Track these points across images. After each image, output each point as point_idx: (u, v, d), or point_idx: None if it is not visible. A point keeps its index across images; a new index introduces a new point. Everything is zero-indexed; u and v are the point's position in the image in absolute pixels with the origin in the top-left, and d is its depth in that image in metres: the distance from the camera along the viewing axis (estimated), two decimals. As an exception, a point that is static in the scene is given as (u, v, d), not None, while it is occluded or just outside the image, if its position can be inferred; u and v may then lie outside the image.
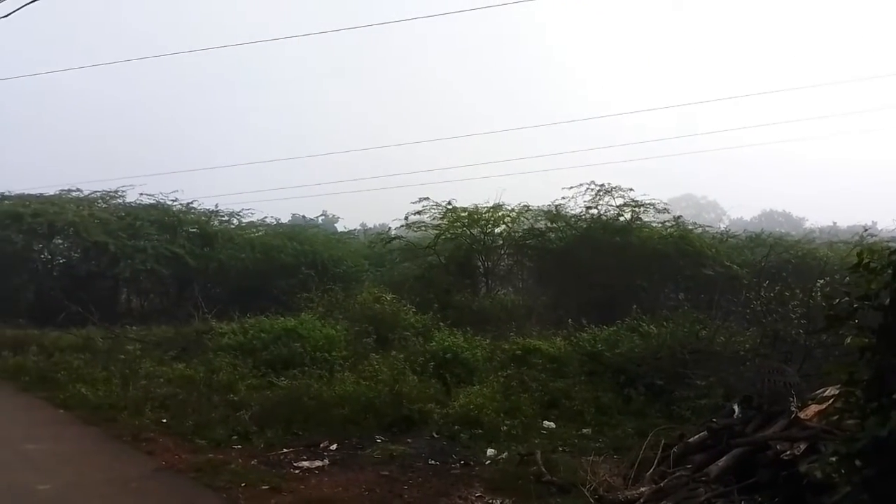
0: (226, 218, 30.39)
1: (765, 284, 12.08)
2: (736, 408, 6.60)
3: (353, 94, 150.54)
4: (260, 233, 30.15)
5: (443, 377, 9.64)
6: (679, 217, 21.29)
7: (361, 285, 19.91)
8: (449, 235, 20.83)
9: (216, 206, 30.62)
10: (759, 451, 5.63)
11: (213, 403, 8.93)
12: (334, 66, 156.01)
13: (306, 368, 10.20)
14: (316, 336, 11.64)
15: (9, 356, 13.55)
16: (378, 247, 26.17)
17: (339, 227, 50.73)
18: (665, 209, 20.98)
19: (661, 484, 5.62)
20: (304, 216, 46.69)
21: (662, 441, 6.60)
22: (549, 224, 20.74)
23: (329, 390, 8.79)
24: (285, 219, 40.81)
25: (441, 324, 13.13)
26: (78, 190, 28.30)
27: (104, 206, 27.47)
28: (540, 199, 21.89)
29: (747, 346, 9.64)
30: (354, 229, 47.35)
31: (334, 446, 7.48)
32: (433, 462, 6.92)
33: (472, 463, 6.89)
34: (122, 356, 11.81)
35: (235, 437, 7.74)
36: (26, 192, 27.34)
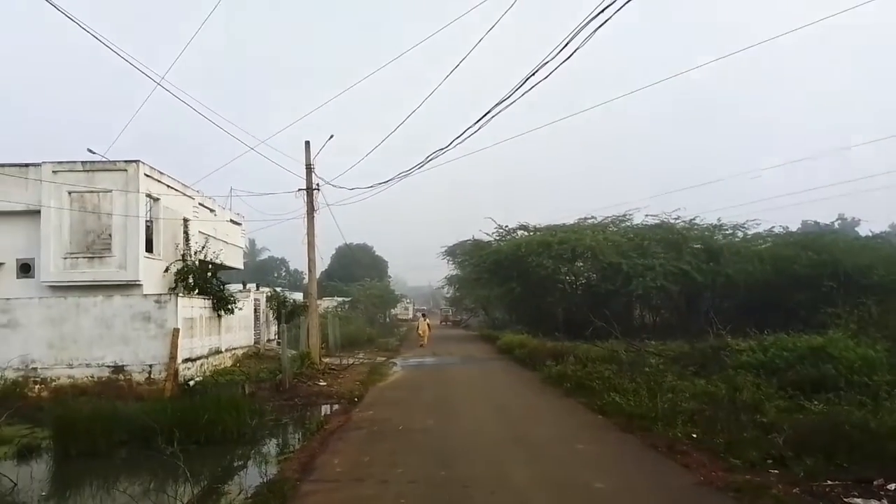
0: (729, 231, 30.06)
1: None
2: None
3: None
4: (767, 244, 28.69)
5: None
6: None
7: (903, 297, 16.94)
8: None
9: (719, 219, 30.66)
10: None
11: (740, 423, 8.84)
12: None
13: (842, 392, 9.34)
14: (850, 357, 10.54)
15: (552, 365, 16.34)
16: (924, 250, 21.86)
17: (863, 230, 44.09)
18: None
19: None
20: (815, 222, 42.27)
21: None
22: None
23: (876, 420, 7.72)
24: (794, 227, 37.86)
25: None
26: (592, 217, 32.29)
27: (615, 229, 30.57)
28: None
29: None
30: (882, 232, 40.62)
31: (892, 486, 6.51)
32: None
33: None
34: (647, 369, 12.81)
35: (770, 461, 7.48)
36: (553, 223, 32.54)
